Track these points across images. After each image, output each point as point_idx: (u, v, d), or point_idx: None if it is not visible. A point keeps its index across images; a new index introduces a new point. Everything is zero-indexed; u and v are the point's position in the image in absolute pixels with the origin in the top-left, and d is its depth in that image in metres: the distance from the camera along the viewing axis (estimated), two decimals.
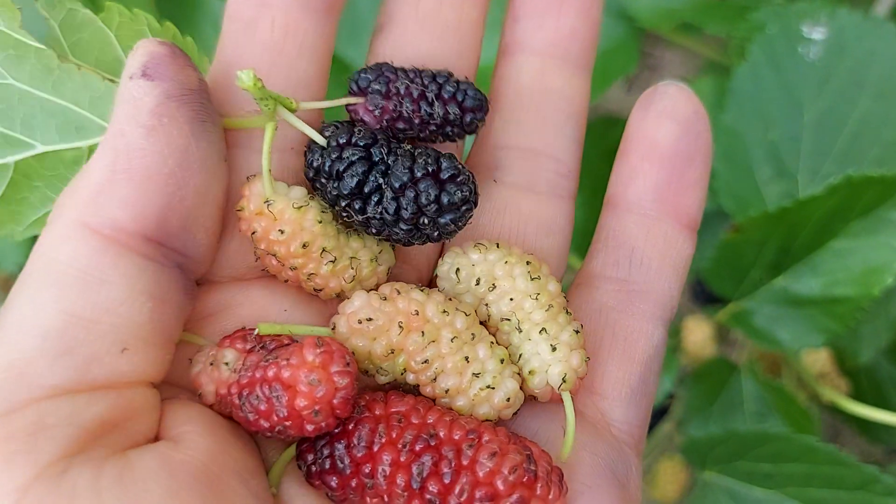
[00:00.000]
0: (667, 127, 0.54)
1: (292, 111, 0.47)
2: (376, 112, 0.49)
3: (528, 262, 0.50)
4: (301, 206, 0.47)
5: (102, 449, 0.39)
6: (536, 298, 0.49)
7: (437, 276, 0.51)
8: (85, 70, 0.50)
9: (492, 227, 0.53)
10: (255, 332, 0.45)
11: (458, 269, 0.50)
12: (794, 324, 0.90)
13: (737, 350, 1.06)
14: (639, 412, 0.53)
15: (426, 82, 0.50)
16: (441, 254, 0.54)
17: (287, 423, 0.42)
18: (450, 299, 0.48)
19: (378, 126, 0.49)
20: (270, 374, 0.42)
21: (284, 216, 0.46)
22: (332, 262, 0.48)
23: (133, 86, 0.43)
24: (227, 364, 0.44)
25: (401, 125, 0.49)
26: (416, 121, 0.49)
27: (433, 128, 0.50)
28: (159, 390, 0.45)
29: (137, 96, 0.43)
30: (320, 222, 0.47)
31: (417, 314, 0.46)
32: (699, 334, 0.96)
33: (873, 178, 0.81)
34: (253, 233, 0.47)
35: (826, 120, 0.95)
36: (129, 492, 0.37)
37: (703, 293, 1.18)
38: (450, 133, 0.51)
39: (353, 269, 0.49)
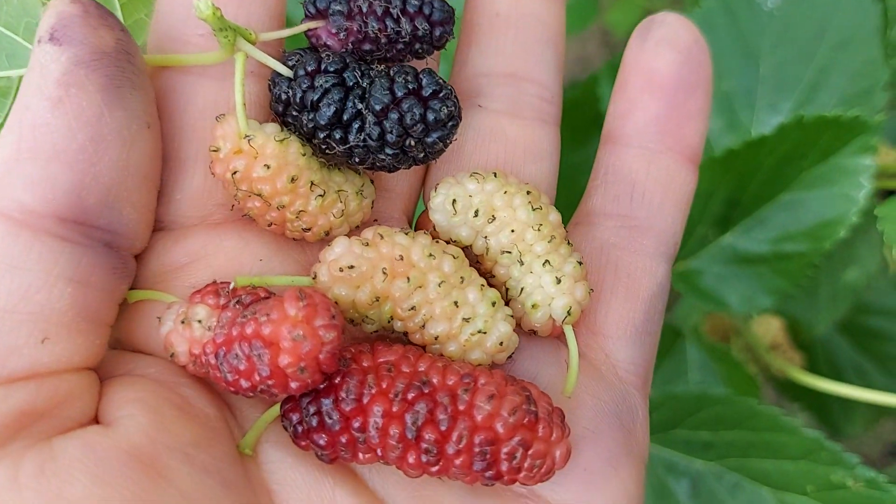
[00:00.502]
0: (667, 56, 0.52)
1: (252, 42, 0.45)
2: (341, 35, 0.47)
3: (528, 192, 0.48)
4: (283, 139, 0.45)
5: (24, 440, 0.37)
6: (538, 229, 0.47)
7: (429, 207, 0.49)
8: None
9: (479, 154, 0.52)
10: (231, 286, 0.43)
11: (454, 200, 0.48)
12: (742, 284, 0.84)
13: (685, 315, 1.00)
14: (644, 351, 0.52)
15: None
16: (424, 181, 0.53)
17: (270, 382, 0.40)
18: (437, 241, 0.47)
19: (343, 49, 0.47)
20: (249, 330, 0.39)
21: (267, 150, 0.44)
22: (322, 195, 0.46)
23: (40, 52, 0.40)
24: (199, 322, 0.42)
25: (367, 46, 0.47)
26: (384, 40, 0.47)
27: (401, 46, 0.48)
28: (115, 362, 0.44)
29: (44, 63, 0.40)
30: (304, 155, 0.46)
31: (402, 259, 0.44)
32: None
33: (828, 120, 0.75)
34: (233, 173, 0.44)
35: (783, 71, 0.89)
36: (52, 484, 0.36)
37: None
38: (419, 50, 0.48)
39: (341, 202, 0.47)
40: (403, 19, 0.47)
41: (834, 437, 1.07)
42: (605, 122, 0.55)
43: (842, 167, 0.77)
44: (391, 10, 0.47)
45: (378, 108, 0.44)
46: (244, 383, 0.40)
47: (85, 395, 0.41)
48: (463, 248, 0.49)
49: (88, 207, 0.40)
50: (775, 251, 0.81)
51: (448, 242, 0.49)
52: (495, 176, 0.48)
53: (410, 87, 0.45)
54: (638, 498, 0.48)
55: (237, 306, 0.42)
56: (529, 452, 0.41)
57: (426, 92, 0.45)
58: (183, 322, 0.43)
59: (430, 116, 0.45)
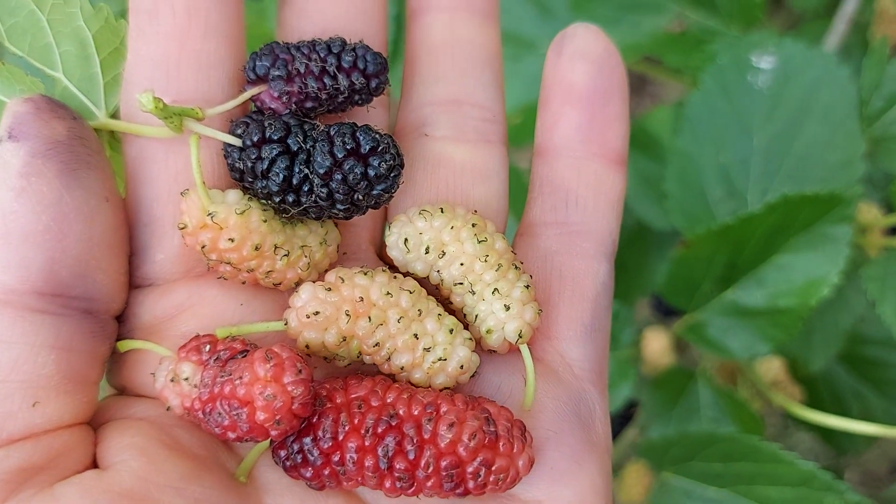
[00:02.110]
0: (580, 68, 0.55)
1: (199, 120, 0.48)
2: (283, 98, 0.49)
3: (473, 224, 0.51)
4: (244, 210, 0.47)
5: (29, 489, 0.41)
6: (485, 260, 0.50)
7: (386, 244, 0.52)
8: (9, 66, 0.51)
9: (429, 181, 0.54)
10: (207, 346, 0.46)
11: (406, 240, 0.51)
12: (742, 333, 0.96)
13: (696, 359, 1.13)
14: (595, 348, 0.54)
15: (323, 55, 0.50)
16: (386, 214, 0.56)
17: (252, 434, 0.44)
18: (395, 276, 0.50)
19: (287, 110, 0.50)
20: (227, 391, 0.43)
21: (230, 223, 0.47)
22: (286, 255, 0.49)
23: (2, 150, 0.44)
24: (186, 379, 0.46)
25: (310, 104, 0.50)
26: (325, 96, 0.50)
27: (341, 99, 0.50)
28: (117, 406, 0.48)
29: (6, 159, 0.44)
30: (265, 221, 0.48)
31: (362, 300, 0.47)
32: (657, 344, 1.03)
33: (808, 197, 0.87)
34: (202, 246, 0.47)
35: (774, 144, 1.01)
36: None
37: (661, 306, 1.24)
38: (359, 101, 0.51)
39: (306, 256, 0.50)
40: (340, 76, 0.49)
41: (838, 455, 1.20)
42: (535, 136, 0.57)
43: (823, 235, 0.89)
44: (327, 68, 0.49)
45: (322, 171, 0.46)
46: (231, 434, 0.44)
47: (79, 447, 0.45)
48: (421, 279, 0.53)
49: (62, 280, 0.44)
50: (770, 306, 0.94)
51: (406, 274, 0.52)
52: (442, 211, 0.51)
53: (349, 147, 0.47)
54: (604, 487, 0.51)
55: (216, 363, 0.45)
56: (493, 469, 0.45)
57: (364, 149, 0.47)
58: (172, 380, 0.46)
59: (371, 172, 0.47)
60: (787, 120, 1.02)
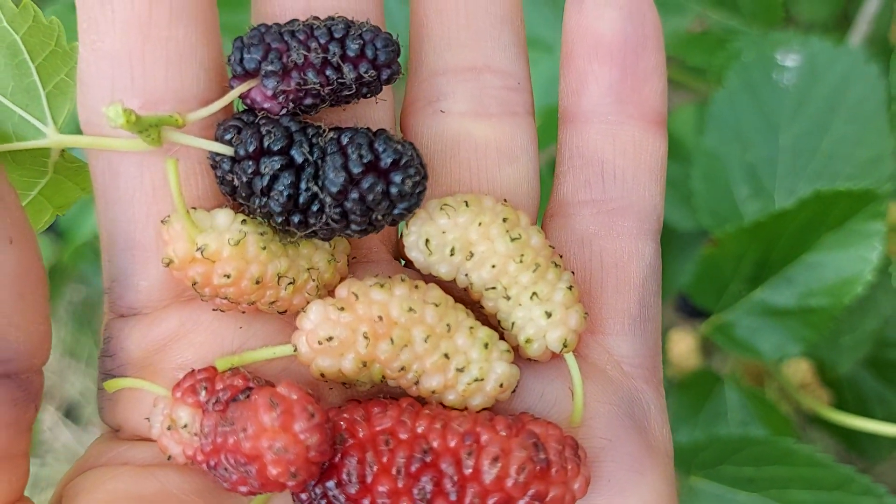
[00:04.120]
0: (607, 15, 0.48)
1: (180, 126, 0.41)
2: (279, 98, 0.42)
3: (504, 219, 0.45)
4: (239, 240, 0.41)
5: None
6: (520, 260, 0.44)
7: (404, 244, 0.46)
8: None
9: (447, 167, 0.48)
10: (203, 387, 0.41)
11: (427, 240, 0.44)
12: (772, 334, 0.94)
13: (722, 361, 1.11)
14: (646, 341, 0.48)
15: (324, 42, 0.42)
16: None
17: (267, 490, 0.39)
18: (416, 285, 0.43)
19: (284, 109, 0.42)
20: (231, 443, 0.38)
21: (223, 256, 0.41)
22: (291, 283, 0.42)
23: None
24: (185, 427, 0.41)
25: (310, 101, 0.42)
26: (327, 92, 0.42)
27: (346, 93, 0.43)
28: (100, 450, 0.44)
29: None
30: (264, 248, 0.42)
31: (381, 319, 0.41)
32: (683, 346, 1.01)
33: (842, 193, 0.86)
34: (193, 283, 0.41)
35: (801, 142, 1.00)
36: None
37: (686, 306, 1.22)
38: (366, 94, 0.44)
39: (313, 280, 0.43)
40: (346, 67, 0.42)
41: (861, 461, 1.17)
42: (559, 100, 0.50)
43: (855, 232, 0.88)
44: (330, 59, 0.42)
45: (335, 190, 0.40)
46: (243, 489, 0.39)
47: None
48: (447, 282, 0.47)
49: None
50: (801, 305, 0.92)
51: (428, 277, 0.46)
52: (467, 205, 0.44)
53: (366, 160, 0.40)
54: (669, 495, 0.46)
55: (216, 407, 0.40)
56: (546, 500, 0.40)
57: (385, 163, 0.40)
58: (169, 428, 0.41)
59: (394, 191, 0.41)
60: (814, 117, 1.00)
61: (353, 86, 0.42)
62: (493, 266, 0.44)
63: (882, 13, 1.23)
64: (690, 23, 1.17)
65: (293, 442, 0.36)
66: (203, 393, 0.41)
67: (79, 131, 0.44)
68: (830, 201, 0.87)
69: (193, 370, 0.42)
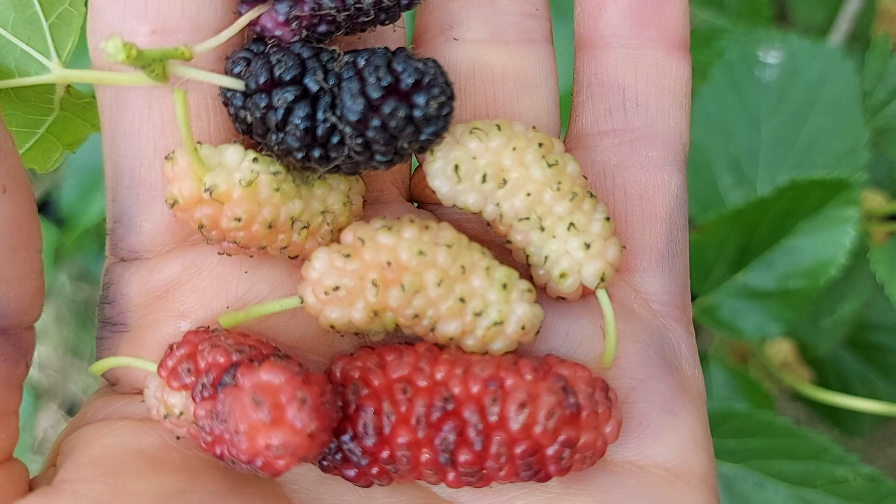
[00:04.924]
0: None
1: (187, 60, 0.38)
2: (292, 24, 0.39)
3: (540, 144, 0.42)
4: (251, 181, 0.38)
5: None
6: (557, 188, 0.42)
7: (427, 172, 0.42)
8: None
9: (463, 97, 0.45)
10: (186, 367, 0.39)
11: (456, 166, 0.41)
12: (754, 315, 1.00)
13: (708, 341, 1.16)
14: (675, 277, 0.46)
15: None
16: None
17: (279, 474, 0.36)
18: (426, 226, 0.40)
19: (296, 37, 0.39)
20: (228, 439, 0.36)
21: (233, 197, 0.38)
22: (305, 227, 0.40)
23: None
24: (181, 415, 0.39)
25: (324, 28, 0.39)
26: (342, 18, 0.39)
27: (364, 19, 0.40)
28: (99, 405, 0.42)
29: None
30: (277, 189, 0.39)
31: (390, 265, 0.38)
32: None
33: (816, 182, 0.91)
34: (200, 226, 0.39)
35: (781, 134, 1.05)
36: None
37: None
38: (385, 20, 0.41)
39: (328, 224, 0.41)
40: None
41: (844, 439, 1.23)
42: (574, 25, 0.48)
43: (830, 218, 0.93)
44: None
45: (354, 118, 0.37)
46: (256, 471, 0.36)
47: (4, 486, 0.37)
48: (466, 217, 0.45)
49: None
50: (780, 287, 0.97)
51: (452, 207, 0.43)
52: (499, 129, 0.41)
53: (385, 83, 0.37)
54: (704, 437, 0.44)
55: (203, 393, 0.38)
56: (578, 446, 0.38)
57: (406, 84, 0.37)
58: (167, 416, 0.39)
59: (418, 114, 0.38)
60: (793, 111, 1.06)
61: (371, 11, 0.39)
62: (528, 194, 0.41)
63: (864, 12, 1.28)
64: None
65: (291, 434, 0.34)
66: (187, 375, 0.38)
67: (84, 65, 0.42)
68: (806, 190, 0.92)
69: (172, 346, 0.40)
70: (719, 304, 1.02)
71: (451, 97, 0.39)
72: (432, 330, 0.40)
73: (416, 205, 0.48)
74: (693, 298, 1.07)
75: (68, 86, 0.44)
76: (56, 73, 0.42)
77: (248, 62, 0.39)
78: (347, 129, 0.37)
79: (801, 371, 1.08)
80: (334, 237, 0.42)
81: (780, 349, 1.08)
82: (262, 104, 0.38)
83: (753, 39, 1.09)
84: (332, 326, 0.39)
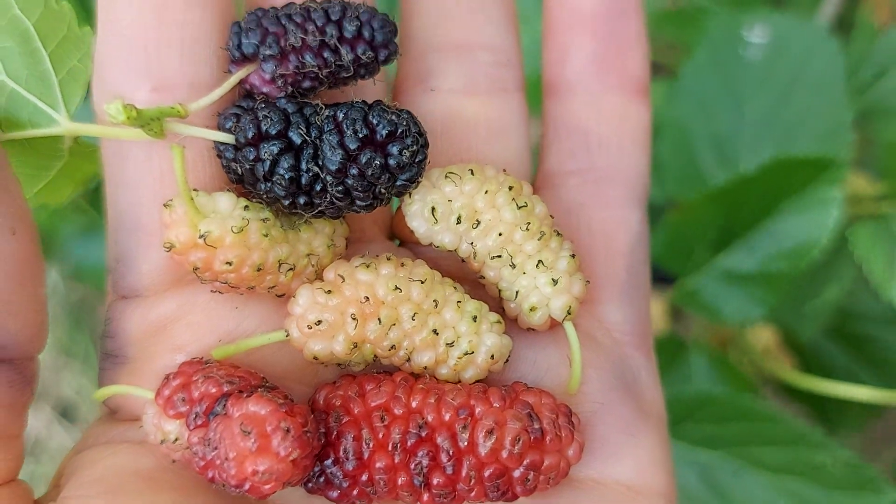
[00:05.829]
0: None
1: (183, 117, 0.42)
2: (278, 82, 0.43)
3: (510, 187, 0.45)
4: (242, 228, 0.41)
5: None
6: (527, 229, 0.45)
7: (406, 213, 0.45)
8: None
9: (438, 144, 0.48)
10: (181, 398, 0.41)
11: (433, 208, 0.44)
12: (735, 298, 0.97)
13: (689, 327, 1.14)
14: (635, 307, 0.49)
15: (321, 25, 0.42)
16: None
17: (266, 497, 0.40)
18: (402, 263, 0.44)
19: (283, 94, 0.43)
20: (218, 465, 0.39)
21: (225, 243, 0.41)
22: (291, 269, 0.43)
23: None
24: (176, 441, 0.42)
25: (308, 84, 0.43)
26: (325, 75, 0.43)
27: (345, 75, 0.44)
28: (100, 431, 0.45)
29: None
30: (266, 235, 0.42)
31: (368, 300, 0.42)
32: (653, 311, 1.03)
33: (800, 160, 0.89)
34: (194, 268, 0.42)
35: (765, 113, 1.03)
36: None
37: (656, 273, 1.25)
38: (364, 75, 0.45)
39: (312, 265, 0.44)
40: (343, 49, 0.42)
41: (827, 430, 1.21)
42: (542, 72, 0.51)
43: (814, 198, 0.91)
44: (327, 41, 0.42)
45: (334, 168, 0.41)
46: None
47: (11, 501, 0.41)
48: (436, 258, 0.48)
49: None
50: (762, 270, 0.95)
51: (428, 248, 0.47)
52: (472, 173, 0.44)
53: (361, 135, 0.41)
54: (664, 458, 0.47)
55: (197, 422, 0.40)
56: (542, 468, 0.41)
57: (381, 135, 0.41)
58: (163, 442, 0.42)
59: (392, 162, 0.41)
60: (777, 90, 1.03)
61: (351, 67, 0.43)
62: (500, 234, 0.44)
63: None
64: (664, 3, 1.20)
65: (276, 461, 0.38)
66: (181, 404, 0.41)
67: (90, 117, 0.46)
68: (791, 168, 0.90)
69: (168, 376, 0.42)
70: (701, 287, 1.00)
71: (424, 145, 0.42)
72: (408, 360, 0.43)
73: (397, 243, 0.51)
74: (673, 280, 1.04)
75: (76, 136, 0.48)
76: (64, 125, 0.46)
77: (238, 117, 0.42)
78: (329, 178, 0.41)
79: (782, 358, 1.06)
80: (318, 276, 0.45)
81: (761, 335, 1.06)
82: (251, 157, 0.41)
83: (739, 19, 1.06)
84: (315, 358, 0.43)
